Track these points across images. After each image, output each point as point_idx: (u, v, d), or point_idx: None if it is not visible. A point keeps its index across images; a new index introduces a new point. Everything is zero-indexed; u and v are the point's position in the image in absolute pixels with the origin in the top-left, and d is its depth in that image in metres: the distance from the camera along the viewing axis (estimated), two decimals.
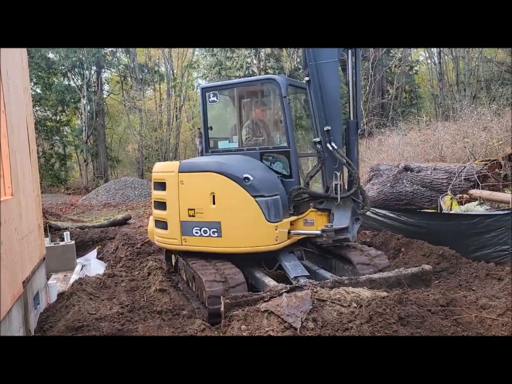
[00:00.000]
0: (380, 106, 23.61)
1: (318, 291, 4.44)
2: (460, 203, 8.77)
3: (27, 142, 5.27)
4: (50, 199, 20.15)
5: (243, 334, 3.95)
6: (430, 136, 13.51)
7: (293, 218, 5.92)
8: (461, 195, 9.01)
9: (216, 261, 5.57)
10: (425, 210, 8.06)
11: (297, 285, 4.62)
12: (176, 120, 30.27)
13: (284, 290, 4.38)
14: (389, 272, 5.08)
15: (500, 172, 9.42)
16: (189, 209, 5.81)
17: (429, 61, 28.44)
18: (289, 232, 5.84)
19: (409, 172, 10.65)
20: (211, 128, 6.66)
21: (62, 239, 8.49)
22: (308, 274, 5.54)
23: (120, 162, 33.21)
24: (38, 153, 21.85)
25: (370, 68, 20.76)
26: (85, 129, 28.32)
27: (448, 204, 8.78)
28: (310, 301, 4.18)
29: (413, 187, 10.14)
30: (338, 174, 5.65)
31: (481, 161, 10.15)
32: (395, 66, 23.74)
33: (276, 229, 5.55)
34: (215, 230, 5.64)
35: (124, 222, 12.46)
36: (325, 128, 5.54)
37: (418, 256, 6.42)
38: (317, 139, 5.70)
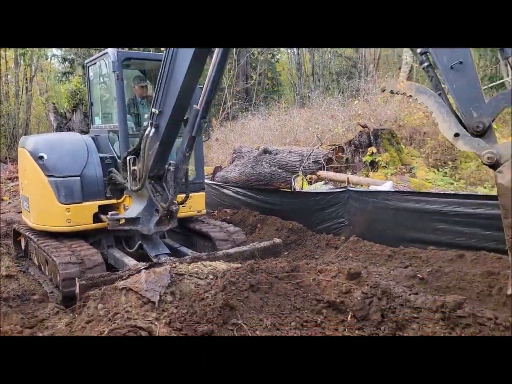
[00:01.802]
0: (244, 91, 24.50)
1: (177, 266, 4.63)
2: (310, 183, 9.79)
3: None
4: None
5: (100, 313, 3.94)
6: (287, 122, 14.59)
7: (106, 201, 5.78)
8: (310, 176, 10.06)
9: (72, 242, 5.37)
10: (280, 189, 8.76)
11: (156, 262, 4.73)
12: (27, 92, 27.16)
13: (143, 267, 4.45)
14: (244, 246, 5.50)
15: (343, 156, 10.74)
16: (21, 183, 6.23)
17: (289, 50, 30.31)
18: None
19: (267, 154, 11.45)
20: (92, 104, 6.60)
21: None
22: (169, 252, 5.68)
23: None
24: None
25: (234, 53, 21.35)
26: None
27: (300, 184, 9.73)
28: (168, 275, 4.33)
29: (271, 168, 10.94)
30: (139, 158, 5.13)
31: (328, 145, 11.41)
32: (258, 53, 24.79)
33: (67, 211, 5.52)
34: (27, 204, 5.96)
35: None
36: (153, 110, 4.95)
37: (271, 231, 7.03)
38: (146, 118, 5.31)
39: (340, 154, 10.68)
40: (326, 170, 10.15)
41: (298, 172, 9.70)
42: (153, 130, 4.93)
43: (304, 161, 9.52)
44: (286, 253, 6.42)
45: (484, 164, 3.55)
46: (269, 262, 4.89)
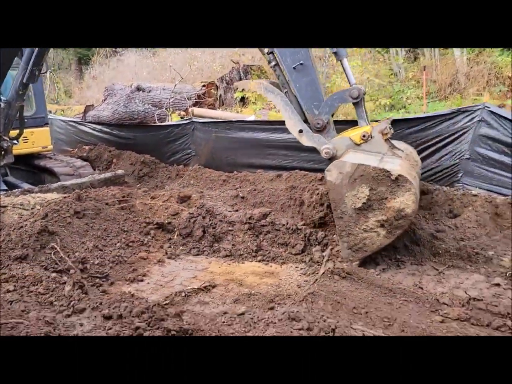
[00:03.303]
0: None
1: (0, 199, 4.62)
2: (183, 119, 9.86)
3: None
4: None
5: None
6: (165, 58, 14.22)
7: None
8: (183, 112, 10.13)
9: None
10: (134, 124, 8.56)
11: None
12: None
13: None
14: (82, 178, 5.57)
15: (215, 92, 10.90)
16: None
17: None
18: None
19: (140, 92, 11.18)
20: None
21: None
22: (7, 188, 5.58)
23: None
24: None
25: None
26: None
27: (173, 121, 9.77)
28: None
29: (145, 106, 10.77)
30: None
31: (201, 82, 11.45)
32: None
33: None
34: None
35: None
36: None
37: (126, 165, 7.13)
38: None
39: (212, 90, 10.82)
40: (199, 107, 10.27)
41: (166, 109, 9.71)
42: None
43: (169, 98, 9.52)
44: (138, 185, 6.62)
45: (324, 158, 3.94)
46: (100, 191, 5.06)
